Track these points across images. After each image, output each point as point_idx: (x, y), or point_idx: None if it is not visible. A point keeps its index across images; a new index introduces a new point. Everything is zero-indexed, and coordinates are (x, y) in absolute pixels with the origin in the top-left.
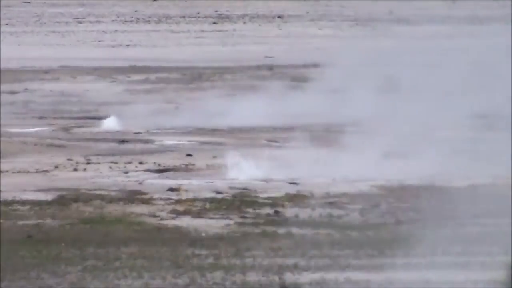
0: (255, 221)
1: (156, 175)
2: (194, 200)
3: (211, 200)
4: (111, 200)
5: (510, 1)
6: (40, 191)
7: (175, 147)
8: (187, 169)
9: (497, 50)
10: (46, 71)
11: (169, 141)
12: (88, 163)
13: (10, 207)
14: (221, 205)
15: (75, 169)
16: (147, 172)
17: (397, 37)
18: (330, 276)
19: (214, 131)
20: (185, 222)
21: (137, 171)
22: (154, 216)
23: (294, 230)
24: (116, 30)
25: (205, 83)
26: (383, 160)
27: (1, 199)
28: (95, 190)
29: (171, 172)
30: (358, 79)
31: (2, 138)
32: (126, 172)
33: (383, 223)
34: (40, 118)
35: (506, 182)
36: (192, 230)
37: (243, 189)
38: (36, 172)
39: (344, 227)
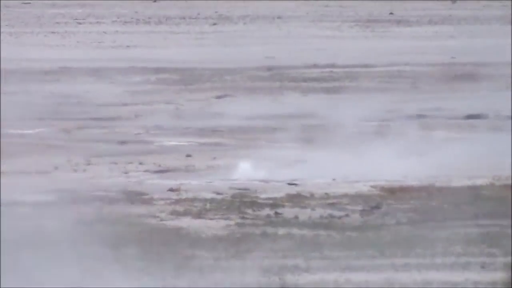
0: (255, 222)
1: (156, 175)
2: (194, 200)
3: (211, 201)
4: (111, 200)
5: (510, 1)
6: (40, 192)
7: (175, 148)
8: (187, 170)
9: (497, 50)
10: (46, 72)
11: (169, 142)
12: (88, 164)
13: (10, 208)
14: (221, 206)
15: (75, 170)
16: (147, 173)
17: (398, 38)
18: (330, 277)
19: (214, 131)
20: (185, 222)
21: (137, 171)
22: (154, 216)
23: (294, 231)
24: (116, 31)
25: (205, 84)
26: (383, 160)
27: (1, 200)
28: (95, 191)
29: (171, 173)
30: (358, 80)
31: (2, 139)
32: (126, 173)
33: (383, 224)
34: (40, 119)
35: (506, 182)
36: (192, 231)
37: (243, 189)
38: (36, 173)
39: (344, 228)
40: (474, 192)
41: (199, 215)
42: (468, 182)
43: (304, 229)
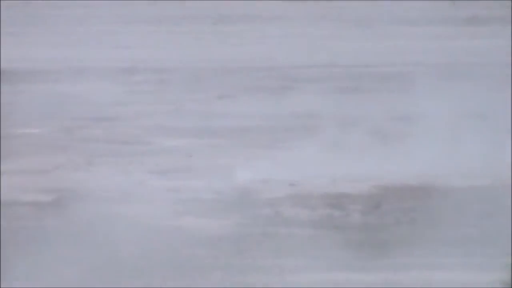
0: (255, 222)
1: (157, 176)
2: (195, 200)
3: (211, 201)
4: (112, 201)
5: (510, 1)
6: (40, 192)
7: (176, 148)
8: (187, 170)
9: (497, 51)
10: (47, 72)
11: (170, 142)
12: (89, 164)
13: (10, 208)
14: (221, 206)
15: (76, 170)
16: (147, 173)
17: (397, 38)
18: (330, 277)
19: (214, 132)
20: (185, 222)
21: (137, 172)
22: (155, 217)
23: (294, 230)
24: (117, 31)
25: (205, 84)
26: (383, 160)
27: (1, 200)
28: (95, 191)
29: (172, 173)
30: (358, 80)
31: (2, 139)
32: (127, 173)
33: (384, 223)
34: (41, 119)
35: (506, 183)
36: (192, 231)
37: (243, 189)
38: (37, 172)
39: (345, 228)
40: (474, 192)
41: (199, 215)
42: (468, 182)
43: (304, 229)
